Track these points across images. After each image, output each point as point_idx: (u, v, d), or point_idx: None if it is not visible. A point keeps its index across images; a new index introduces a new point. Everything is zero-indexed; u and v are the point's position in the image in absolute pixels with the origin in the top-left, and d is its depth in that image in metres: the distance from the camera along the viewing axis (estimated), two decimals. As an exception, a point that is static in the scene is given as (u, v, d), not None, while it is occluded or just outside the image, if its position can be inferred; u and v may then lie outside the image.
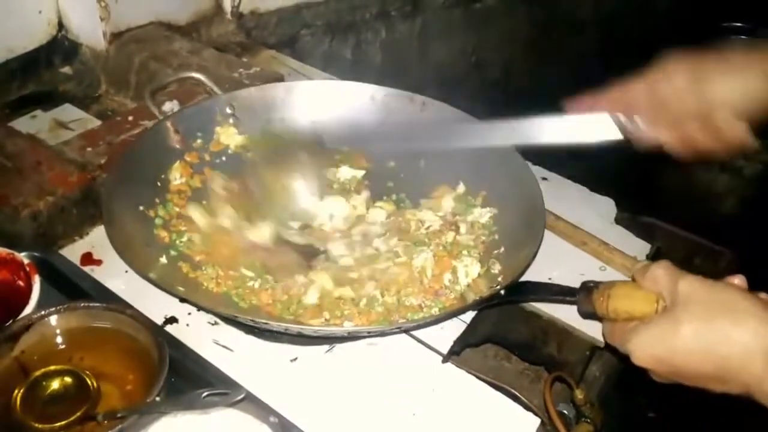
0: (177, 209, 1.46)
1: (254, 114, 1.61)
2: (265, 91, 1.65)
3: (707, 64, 1.20)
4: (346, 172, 1.63)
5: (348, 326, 1.30)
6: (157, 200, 1.44)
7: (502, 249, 1.44)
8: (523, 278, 1.33)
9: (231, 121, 1.59)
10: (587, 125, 1.31)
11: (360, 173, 1.63)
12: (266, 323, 1.25)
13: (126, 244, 1.29)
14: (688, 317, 1.00)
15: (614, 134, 1.29)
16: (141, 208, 1.40)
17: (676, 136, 1.23)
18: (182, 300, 1.33)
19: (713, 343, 0.98)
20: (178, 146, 1.51)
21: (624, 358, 1.10)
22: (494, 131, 1.45)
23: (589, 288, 1.17)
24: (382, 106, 1.65)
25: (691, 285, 1.03)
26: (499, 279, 1.36)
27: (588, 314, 1.19)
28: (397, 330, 1.32)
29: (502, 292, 1.27)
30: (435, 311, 1.34)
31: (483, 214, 1.51)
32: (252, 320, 1.24)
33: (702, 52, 1.21)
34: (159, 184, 1.47)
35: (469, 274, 1.40)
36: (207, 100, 1.62)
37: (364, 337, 1.34)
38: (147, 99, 1.54)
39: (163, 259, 1.36)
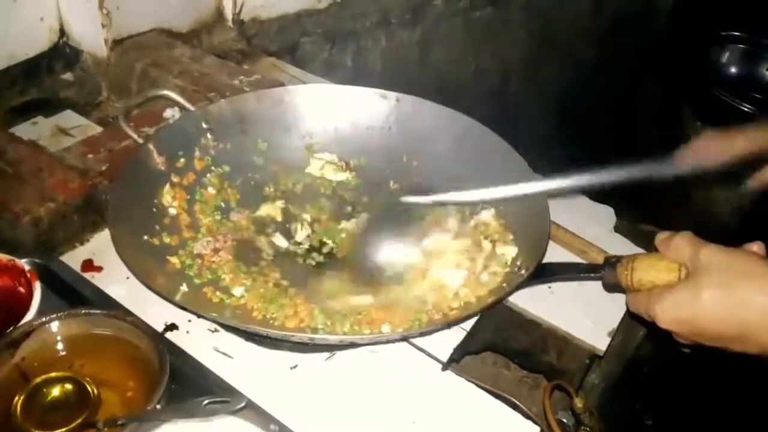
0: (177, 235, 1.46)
1: (229, 126, 1.61)
2: (237, 103, 1.64)
3: None
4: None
5: (350, 335, 1.30)
6: (157, 227, 1.43)
7: (511, 237, 1.46)
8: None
9: (209, 136, 1.58)
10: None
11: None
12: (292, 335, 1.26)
13: (147, 275, 1.29)
14: (709, 283, 1.07)
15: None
16: (145, 237, 1.39)
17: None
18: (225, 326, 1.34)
19: (733, 307, 1.05)
20: (162, 168, 1.49)
21: (648, 325, 1.18)
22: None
23: (612, 263, 1.24)
24: (355, 105, 1.67)
25: (712, 253, 1.09)
26: (518, 263, 1.38)
27: (612, 287, 1.26)
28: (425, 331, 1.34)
29: (524, 273, 1.31)
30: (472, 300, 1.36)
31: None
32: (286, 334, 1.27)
33: None
34: (155, 210, 1.46)
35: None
36: (181, 118, 1.62)
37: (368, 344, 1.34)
38: (121, 120, 1.52)
39: (184, 287, 1.35)
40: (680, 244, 1.14)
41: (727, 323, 1.06)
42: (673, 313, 1.10)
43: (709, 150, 1.31)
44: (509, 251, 1.43)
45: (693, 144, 1.31)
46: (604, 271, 1.25)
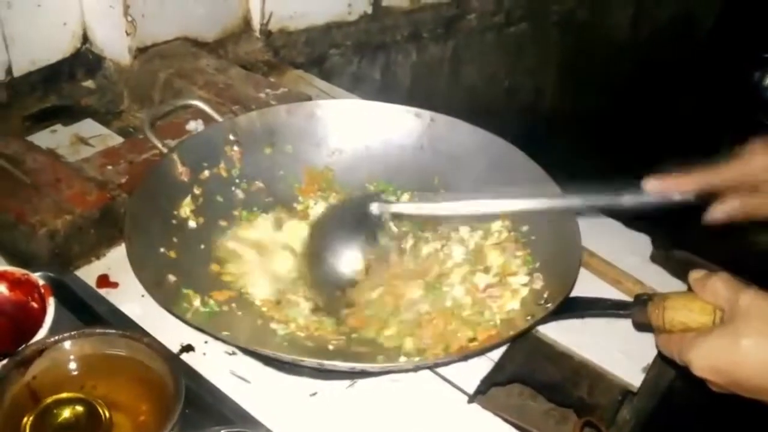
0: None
1: (257, 139, 1.58)
2: (266, 115, 1.61)
3: None
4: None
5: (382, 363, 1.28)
6: (175, 240, 1.40)
7: (538, 264, 1.42)
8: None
9: (236, 148, 1.55)
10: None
11: None
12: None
13: (163, 292, 1.27)
14: (750, 331, 1.01)
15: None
16: (162, 250, 1.37)
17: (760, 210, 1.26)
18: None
19: None
20: (185, 179, 1.47)
21: (680, 369, 1.12)
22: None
23: (643, 300, 1.18)
24: (388, 123, 1.64)
25: (752, 298, 1.04)
26: (545, 295, 1.33)
27: (642, 326, 1.20)
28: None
29: (550, 306, 1.26)
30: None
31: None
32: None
33: None
34: (174, 222, 1.43)
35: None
36: (208, 129, 1.60)
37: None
38: (147, 129, 1.49)
39: (198, 304, 1.32)
40: (718, 286, 1.08)
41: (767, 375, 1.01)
42: (709, 360, 1.05)
43: (674, 182, 1.25)
44: (536, 282, 1.39)
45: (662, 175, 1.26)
46: (634, 309, 1.20)
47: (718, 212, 1.26)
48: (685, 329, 1.11)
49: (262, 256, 1.46)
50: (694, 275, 1.14)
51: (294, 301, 1.39)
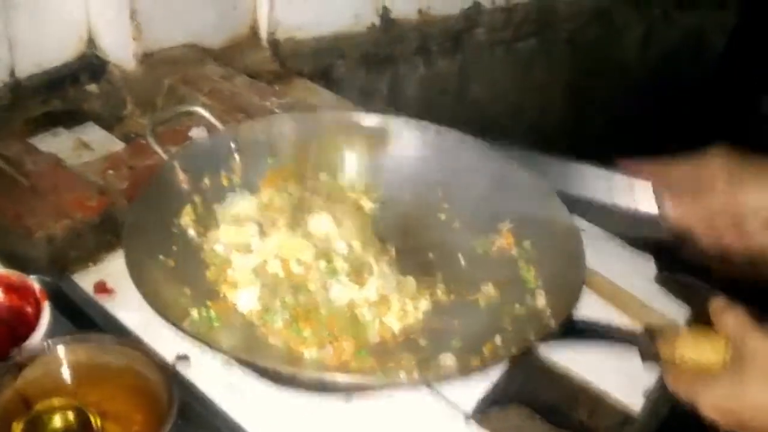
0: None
1: (259, 148, 1.57)
2: (269, 125, 1.61)
3: (748, 168, 1.26)
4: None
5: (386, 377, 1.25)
6: (175, 248, 1.38)
7: (540, 282, 1.40)
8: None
9: (237, 156, 1.54)
10: (628, 188, 1.33)
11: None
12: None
13: (159, 299, 1.24)
14: (754, 376, 1.02)
15: (650, 206, 1.32)
16: (161, 257, 1.34)
17: (704, 227, 1.28)
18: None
19: None
20: (186, 187, 1.45)
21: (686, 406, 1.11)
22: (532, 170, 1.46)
23: (653, 333, 1.16)
24: (392, 135, 1.62)
25: (760, 341, 1.04)
26: (548, 313, 1.31)
27: (650, 359, 1.18)
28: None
29: (553, 324, 1.24)
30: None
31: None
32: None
33: (748, 154, 1.27)
34: (174, 230, 1.41)
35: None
36: (210, 137, 1.58)
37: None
38: (148, 135, 1.47)
39: (195, 314, 1.29)
40: (729, 324, 1.08)
41: None
42: (717, 404, 1.05)
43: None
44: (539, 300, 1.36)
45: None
46: (643, 342, 1.18)
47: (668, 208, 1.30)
48: (695, 366, 1.10)
49: (253, 262, 1.44)
50: (715, 304, 1.13)
51: (275, 308, 1.36)
